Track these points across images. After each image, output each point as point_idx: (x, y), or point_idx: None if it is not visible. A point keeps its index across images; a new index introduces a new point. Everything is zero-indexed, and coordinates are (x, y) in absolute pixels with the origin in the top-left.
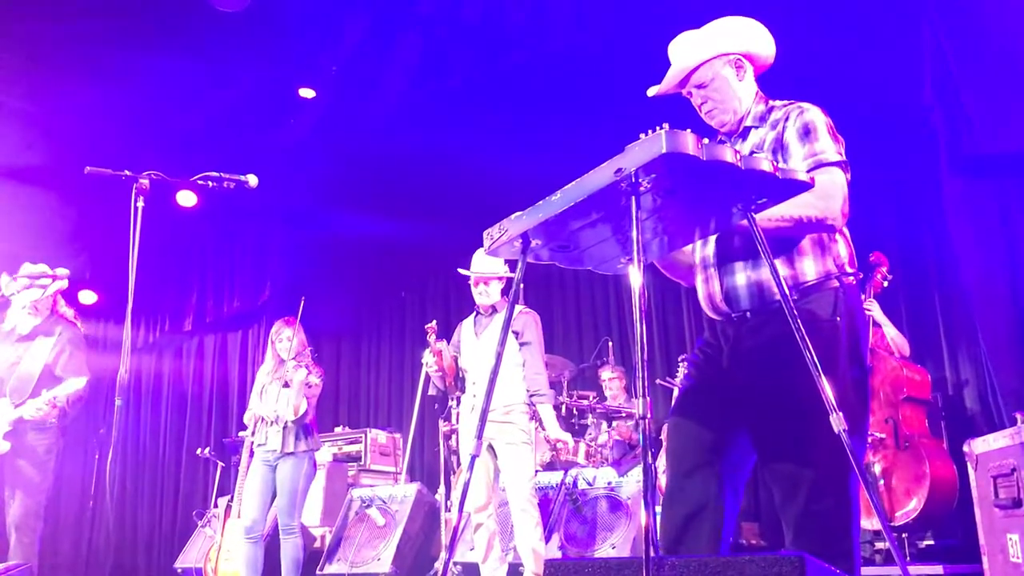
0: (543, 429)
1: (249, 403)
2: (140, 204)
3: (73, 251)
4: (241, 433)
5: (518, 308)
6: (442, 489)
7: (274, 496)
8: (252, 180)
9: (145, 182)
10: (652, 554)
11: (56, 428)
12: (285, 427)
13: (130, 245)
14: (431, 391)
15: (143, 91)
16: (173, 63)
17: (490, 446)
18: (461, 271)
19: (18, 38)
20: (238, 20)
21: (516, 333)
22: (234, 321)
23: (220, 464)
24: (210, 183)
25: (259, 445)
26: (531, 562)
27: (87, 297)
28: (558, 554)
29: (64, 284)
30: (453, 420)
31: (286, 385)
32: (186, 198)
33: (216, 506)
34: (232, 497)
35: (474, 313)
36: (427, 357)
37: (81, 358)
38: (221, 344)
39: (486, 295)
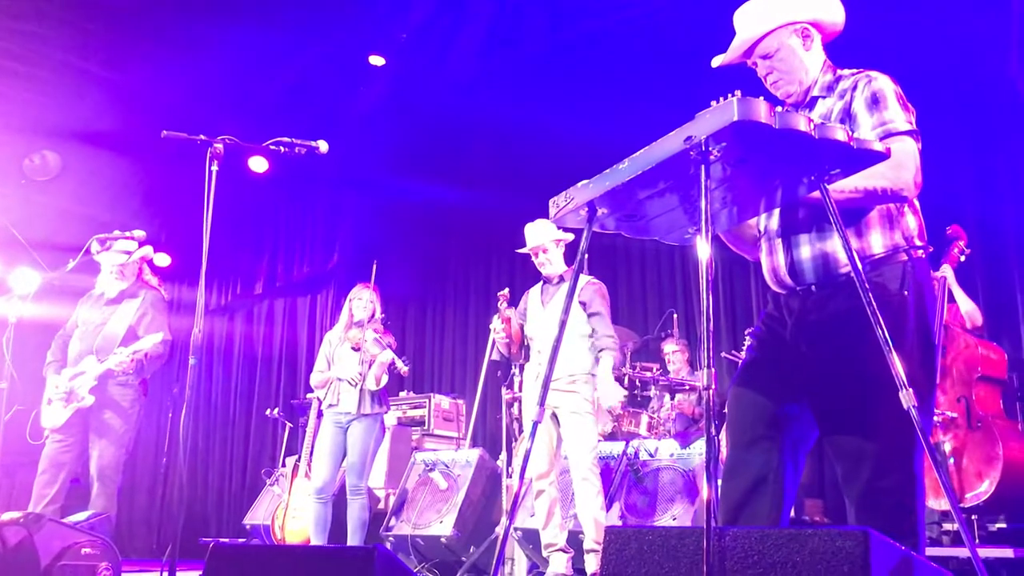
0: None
1: (316, 364)
2: (214, 168)
3: (148, 214)
4: (309, 395)
5: (585, 278)
6: (504, 455)
7: (344, 457)
8: (323, 146)
9: (219, 147)
10: (714, 524)
11: (138, 384)
12: (361, 390)
13: (204, 209)
14: (494, 356)
15: (218, 58)
16: (247, 31)
17: (553, 414)
18: (519, 251)
19: (98, 7)
20: None
21: (583, 304)
22: (303, 285)
23: (288, 425)
24: (282, 149)
25: (330, 406)
26: (592, 531)
27: (162, 259)
28: (619, 523)
29: (149, 251)
30: (515, 388)
31: (356, 348)
32: (258, 164)
33: (284, 465)
34: (299, 457)
35: (541, 281)
36: (496, 323)
37: (162, 320)
38: (290, 308)
39: (548, 263)
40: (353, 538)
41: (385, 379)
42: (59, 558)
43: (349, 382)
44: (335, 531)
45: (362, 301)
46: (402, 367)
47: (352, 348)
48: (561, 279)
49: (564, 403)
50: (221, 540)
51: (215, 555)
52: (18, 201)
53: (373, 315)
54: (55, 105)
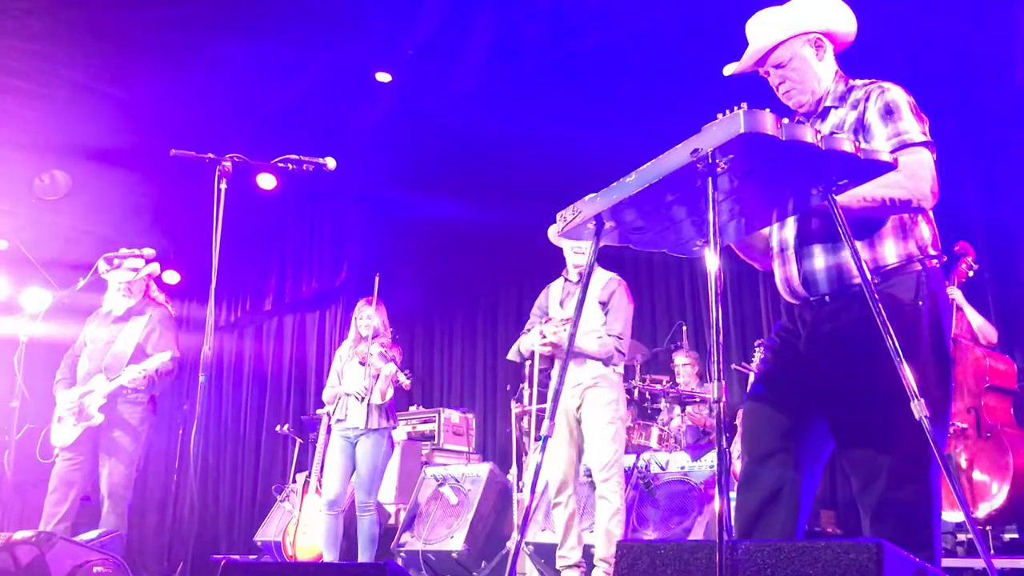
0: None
1: (327, 380)
2: (223, 186)
3: (158, 232)
4: (319, 411)
5: (607, 275)
6: (514, 469)
7: (353, 470)
8: (330, 163)
9: (228, 164)
10: (726, 538)
11: (147, 401)
12: (368, 405)
13: (213, 226)
14: (512, 356)
15: (226, 76)
16: (255, 49)
17: (578, 421)
18: (554, 230)
19: (106, 25)
20: (317, 5)
21: (603, 303)
22: (312, 302)
23: (298, 441)
24: (290, 166)
25: (338, 421)
26: (603, 547)
27: (171, 277)
28: (630, 537)
29: (156, 268)
30: (525, 401)
31: (362, 363)
32: (266, 180)
33: (294, 481)
34: (310, 473)
35: (562, 279)
36: (536, 338)
37: (170, 337)
38: (300, 324)
39: (580, 251)
40: (364, 554)
41: (391, 392)
42: None
43: (356, 396)
44: (346, 547)
45: (364, 319)
46: (404, 380)
47: (360, 363)
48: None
49: (588, 410)
50: (232, 557)
51: (226, 572)
52: (28, 220)
53: (378, 330)
54: (64, 124)
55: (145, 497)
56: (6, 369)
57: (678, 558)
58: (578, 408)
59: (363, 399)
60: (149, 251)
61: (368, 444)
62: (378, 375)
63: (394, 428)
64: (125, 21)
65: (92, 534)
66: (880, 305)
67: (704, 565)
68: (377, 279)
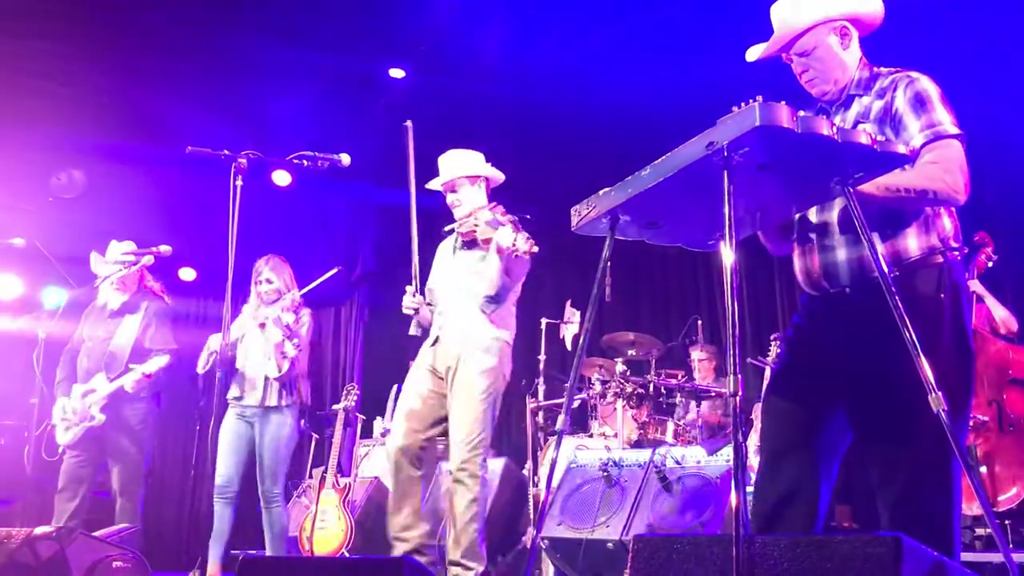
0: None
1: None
2: (239, 183)
3: (174, 229)
4: (335, 406)
5: (491, 215)
6: (529, 464)
7: (249, 451)
8: (345, 159)
9: (243, 162)
10: (743, 532)
11: (148, 398)
12: (265, 379)
13: (229, 223)
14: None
15: (241, 73)
16: (268, 46)
17: (446, 382)
18: (428, 186)
19: (123, 24)
20: (330, 2)
21: (486, 243)
22: (326, 299)
23: (314, 436)
24: (305, 162)
25: (235, 398)
26: (457, 545)
27: (187, 274)
28: (646, 532)
29: (150, 260)
30: (539, 397)
31: (261, 326)
32: (281, 177)
33: (311, 477)
34: (326, 468)
35: (455, 233)
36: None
37: (167, 330)
38: (313, 321)
39: (459, 204)
40: (274, 547)
41: (286, 365)
42: (91, 572)
43: (245, 372)
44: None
45: (263, 283)
46: (290, 350)
47: (259, 325)
48: (477, 241)
49: (459, 376)
50: (250, 552)
51: (245, 567)
52: (46, 219)
53: (281, 291)
54: (80, 123)
55: (163, 492)
56: (25, 366)
57: (695, 552)
58: (449, 370)
59: (254, 378)
60: (166, 248)
61: (271, 427)
62: (278, 346)
63: (302, 404)
64: (141, 21)
65: (109, 530)
66: (898, 298)
67: (721, 559)
68: (335, 271)
